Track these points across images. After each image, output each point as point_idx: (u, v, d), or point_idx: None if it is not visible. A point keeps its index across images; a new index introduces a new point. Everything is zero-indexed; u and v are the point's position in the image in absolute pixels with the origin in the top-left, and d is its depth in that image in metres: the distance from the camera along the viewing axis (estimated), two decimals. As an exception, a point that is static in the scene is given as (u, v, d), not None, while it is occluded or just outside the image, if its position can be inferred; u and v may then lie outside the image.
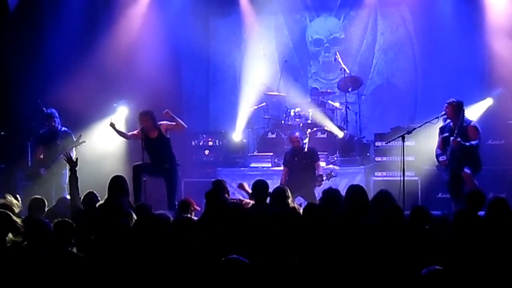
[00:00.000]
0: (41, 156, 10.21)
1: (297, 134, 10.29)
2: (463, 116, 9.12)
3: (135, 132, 9.73)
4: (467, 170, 9.04)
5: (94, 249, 5.39)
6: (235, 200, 7.78)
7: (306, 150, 10.05)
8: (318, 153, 10.26)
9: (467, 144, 9.05)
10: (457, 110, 9.14)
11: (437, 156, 9.42)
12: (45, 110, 10.33)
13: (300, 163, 9.95)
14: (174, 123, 9.66)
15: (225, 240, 5.12)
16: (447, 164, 9.23)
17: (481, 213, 6.59)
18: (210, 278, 4.33)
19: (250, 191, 8.20)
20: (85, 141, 10.09)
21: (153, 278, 4.80)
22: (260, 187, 7.51)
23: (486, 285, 4.64)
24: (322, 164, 10.50)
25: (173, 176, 9.69)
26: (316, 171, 9.92)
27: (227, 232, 5.27)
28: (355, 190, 6.74)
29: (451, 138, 9.12)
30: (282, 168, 10.41)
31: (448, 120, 9.31)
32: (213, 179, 8.48)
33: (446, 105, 9.21)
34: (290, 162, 10.05)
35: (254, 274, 4.21)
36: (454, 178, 9.21)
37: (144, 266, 4.87)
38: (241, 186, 8.68)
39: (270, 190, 7.52)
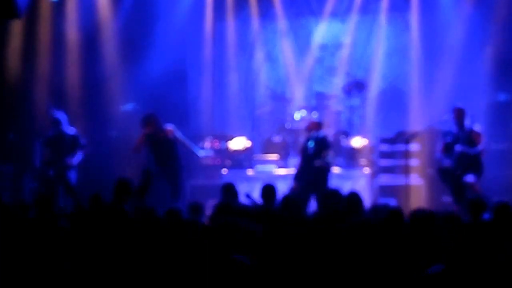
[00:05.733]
0: (49, 158, 10.27)
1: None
2: (470, 123, 9.17)
3: (140, 137, 9.75)
4: (470, 179, 9.08)
5: (101, 251, 5.42)
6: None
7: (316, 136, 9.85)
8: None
9: (472, 151, 9.11)
10: (463, 115, 9.22)
11: (439, 160, 9.48)
12: (53, 113, 10.41)
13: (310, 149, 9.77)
14: (186, 142, 9.85)
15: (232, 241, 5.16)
16: (451, 169, 9.26)
17: (486, 216, 6.68)
18: (212, 278, 4.38)
19: (255, 200, 8.32)
20: (90, 146, 10.16)
21: (157, 278, 4.86)
22: (268, 191, 7.61)
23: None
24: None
25: (178, 178, 9.78)
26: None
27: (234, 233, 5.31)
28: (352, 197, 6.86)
29: (456, 146, 9.16)
30: (287, 170, 10.56)
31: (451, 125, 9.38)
32: (219, 182, 8.57)
33: (453, 111, 9.25)
34: (302, 148, 9.93)
35: (255, 275, 4.25)
36: (458, 184, 9.25)
37: (149, 266, 4.93)
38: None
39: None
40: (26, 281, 5.02)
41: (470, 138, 9.18)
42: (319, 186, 9.42)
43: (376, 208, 6.76)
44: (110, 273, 5.01)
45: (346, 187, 10.41)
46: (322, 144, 9.69)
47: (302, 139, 10.82)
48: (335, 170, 11.27)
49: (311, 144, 9.59)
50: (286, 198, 7.37)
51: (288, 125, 12.24)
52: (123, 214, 6.57)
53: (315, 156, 9.56)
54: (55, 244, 5.43)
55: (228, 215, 6.08)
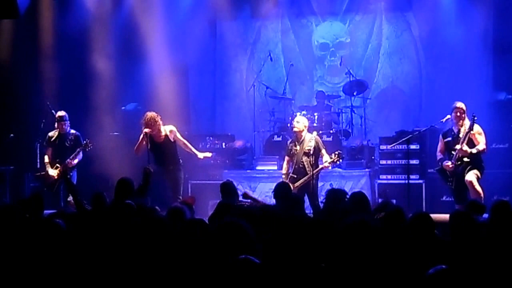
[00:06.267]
0: (50, 158, 10.27)
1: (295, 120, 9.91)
2: (471, 122, 9.15)
3: (140, 138, 9.72)
4: (470, 178, 9.06)
5: (103, 251, 5.42)
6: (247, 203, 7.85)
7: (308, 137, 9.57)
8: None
9: (474, 151, 9.09)
10: (463, 114, 9.20)
11: (440, 160, 9.46)
12: (54, 113, 10.42)
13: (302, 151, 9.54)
14: (186, 144, 9.81)
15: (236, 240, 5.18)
16: (452, 169, 9.25)
17: (485, 215, 6.70)
18: (220, 278, 4.38)
19: (255, 197, 8.29)
20: (91, 146, 10.16)
21: (161, 278, 4.86)
22: (281, 189, 7.63)
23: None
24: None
25: (177, 177, 9.79)
26: (322, 158, 9.55)
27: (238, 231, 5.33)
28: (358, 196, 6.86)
29: (457, 146, 9.13)
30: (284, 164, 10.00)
31: (451, 123, 9.37)
32: (220, 182, 8.58)
33: (454, 109, 9.23)
34: (293, 150, 9.64)
35: (265, 274, 4.25)
36: (458, 183, 9.24)
37: (153, 266, 4.94)
38: (245, 196, 8.62)
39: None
40: (26, 282, 5.03)
41: (470, 137, 9.16)
42: (313, 186, 9.40)
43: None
44: (112, 273, 5.02)
45: (346, 187, 10.46)
46: (318, 145, 9.56)
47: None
48: (336, 169, 11.34)
49: (310, 144, 9.52)
50: (287, 197, 7.39)
51: (289, 125, 12.24)
52: (125, 213, 6.58)
53: (312, 157, 9.44)
54: (55, 245, 5.43)
55: (228, 215, 6.09)
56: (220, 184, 8.29)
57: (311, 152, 9.43)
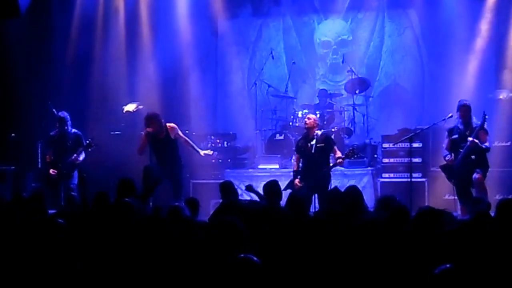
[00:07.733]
0: (51, 158, 10.26)
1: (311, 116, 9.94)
2: (476, 121, 9.14)
3: (142, 137, 9.71)
4: (478, 175, 9.03)
5: (104, 251, 5.40)
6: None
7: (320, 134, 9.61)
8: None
9: (483, 146, 9.07)
10: (469, 112, 9.19)
11: (445, 157, 9.43)
12: (56, 113, 10.39)
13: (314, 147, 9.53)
14: (188, 141, 9.79)
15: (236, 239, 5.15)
16: (459, 166, 9.21)
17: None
18: (220, 278, 4.36)
19: (259, 192, 8.28)
20: (94, 146, 10.14)
21: (163, 278, 4.84)
22: (272, 187, 7.60)
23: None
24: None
25: (179, 177, 9.78)
26: (335, 155, 9.55)
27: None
28: (352, 191, 6.84)
29: (469, 138, 9.09)
30: (293, 161, 10.18)
31: (456, 121, 9.33)
32: (221, 181, 8.60)
33: (460, 107, 9.21)
34: (303, 147, 9.62)
35: (265, 274, 4.23)
36: (464, 181, 9.21)
37: (153, 265, 4.92)
38: (248, 188, 8.72)
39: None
40: (27, 282, 5.00)
41: (476, 135, 9.14)
42: (324, 186, 9.35)
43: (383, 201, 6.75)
44: (114, 273, 4.99)
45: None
46: (330, 142, 9.57)
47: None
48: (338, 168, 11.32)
49: (323, 141, 9.52)
50: (293, 196, 7.36)
51: (291, 124, 12.22)
52: (124, 213, 6.54)
53: (324, 154, 9.48)
54: (56, 244, 5.41)
55: (230, 214, 6.06)
56: (219, 184, 8.30)
57: (324, 149, 9.42)
